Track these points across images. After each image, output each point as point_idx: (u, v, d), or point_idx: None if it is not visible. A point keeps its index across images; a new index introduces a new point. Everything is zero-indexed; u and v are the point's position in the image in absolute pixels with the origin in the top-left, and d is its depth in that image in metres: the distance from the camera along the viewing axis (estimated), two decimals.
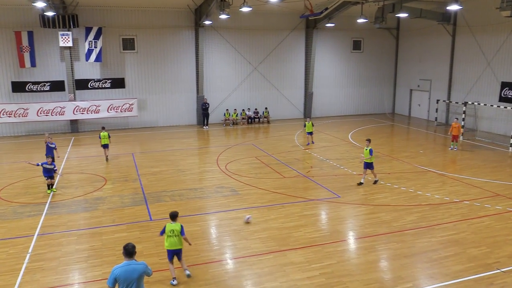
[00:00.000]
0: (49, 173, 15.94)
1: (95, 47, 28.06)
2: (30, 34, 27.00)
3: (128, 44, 29.53)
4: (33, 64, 27.50)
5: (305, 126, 24.10)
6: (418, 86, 33.92)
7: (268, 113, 32.68)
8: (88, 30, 27.73)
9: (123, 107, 29.18)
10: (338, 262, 10.35)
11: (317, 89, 34.29)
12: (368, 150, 16.24)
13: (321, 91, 34.51)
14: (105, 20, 28.33)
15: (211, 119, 31.34)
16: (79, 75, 28.72)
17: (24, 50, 27.11)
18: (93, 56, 28.09)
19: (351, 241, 11.81)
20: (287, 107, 33.94)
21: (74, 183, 17.33)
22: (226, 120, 31.57)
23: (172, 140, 26.09)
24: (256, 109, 32.61)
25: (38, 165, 15.94)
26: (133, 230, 12.40)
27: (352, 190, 15.91)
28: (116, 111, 29.10)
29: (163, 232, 9.68)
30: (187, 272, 9.68)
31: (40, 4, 21.19)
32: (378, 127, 30.41)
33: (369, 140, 16.76)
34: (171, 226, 9.55)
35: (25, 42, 27.01)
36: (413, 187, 16.21)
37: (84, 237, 12.11)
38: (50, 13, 24.55)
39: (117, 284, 6.75)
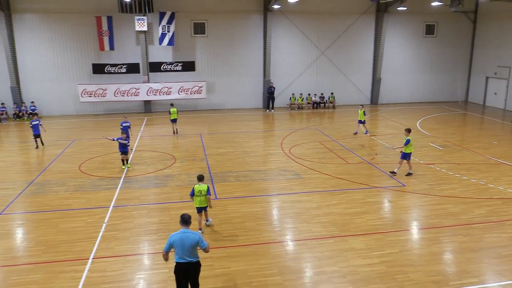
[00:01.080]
0: (124, 149, 16.80)
1: (168, 31, 28.92)
2: (110, 19, 28.34)
3: (199, 29, 30.14)
4: (111, 47, 28.90)
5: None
6: (495, 73, 31.70)
7: (334, 98, 32.16)
8: (162, 15, 28.60)
9: (193, 89, 29.98)
10: (400, 251, 10.11)
11: (385, 74, 33.14)
12: (405, 140, 15.39)
13: (389, 77, 33.31)
14: (177, 5, 29.04)
15: (277, 103, 31.41)
16: (152, 58, 29.82)
17: (103, 34, 28.54)
18: (166, 40, 29.01)
19: (415, 231, 11.45)
20: (353, 92, 33.16)
21: (146, 160, 18.18)
22: (291, 104, 31.50)
23: (238, 123, 26.51)
24: (322, 94, 32.19)
25: (114, 139, 16.92)
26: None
27: (418, 179, 15.36)
28: (186, 93, 29.98)
29: (192, 193, 10.79)
30: (209, 221, 11.46)
31: None
32: (449, 115, 28.95)
33: (408, 130, 15.78)
34: (199, 187, 10.72)
35: (104, 26, 28.40)
36: (484, 180, 15.34)
37: (154, 211, 12.73)
38: None
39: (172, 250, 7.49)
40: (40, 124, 20.75)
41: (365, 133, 22.58)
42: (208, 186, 10.82)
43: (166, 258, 7.58)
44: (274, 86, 30.81)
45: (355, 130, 22.96)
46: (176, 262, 7.46)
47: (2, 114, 28.29)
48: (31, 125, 20.60)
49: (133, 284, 8.88)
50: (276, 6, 28.33)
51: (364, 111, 22.37)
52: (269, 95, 30.66)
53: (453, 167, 16.71)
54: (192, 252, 7.43)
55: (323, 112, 30.45)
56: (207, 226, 11.48)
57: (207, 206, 11.00)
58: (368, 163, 17.42)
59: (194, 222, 9.40)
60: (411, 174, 15.77)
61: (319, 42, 31.62)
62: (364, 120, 22.52)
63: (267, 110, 30.82)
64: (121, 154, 16.95)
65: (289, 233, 11.25)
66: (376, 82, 32.94)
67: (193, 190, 10.79)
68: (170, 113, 23.19)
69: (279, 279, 8.95)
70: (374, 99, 33.30)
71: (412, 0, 29.08)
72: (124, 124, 19.33)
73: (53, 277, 9.15)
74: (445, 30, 33.40)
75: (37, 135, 20.58)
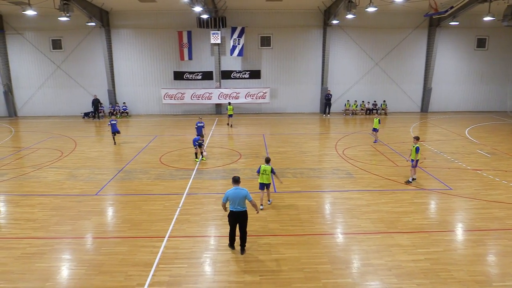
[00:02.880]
0: (197, 144, 17.49)
1: (238, 44, 29.35)
2: (189, 33, 29.27)
3: (265, 41, 30.31)
4: (190, 57, 29.84)
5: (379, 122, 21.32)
6: None
7: (386, 105, 31.06)
8: (233, 30, 29.08)
9: (258, 94, 30.22)
10: (444, 250, 9.55)
11: (436, 84, 31.45)
12: (414, 148, 14.04)
13: (440, 86, 31.57)
14: (247, 21, 29.40)
15: (332, 108, 30.87)
16: (224, 67, 30.41)
17: (184, 46, 29.53)
18: (236, 51, 29.47)
19: (460, 232, 10.76)
20: (404, 101, 31.81)
21: (215, 155, 18.57)
22: (346, 110, 30.83)
23: (297, 125, 26.36)
24: (375, 101, 31.19)
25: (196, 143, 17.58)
26: (258, 199, 12.89)
27: (464, 184, 14.43)
28: (252, 98, 30.28)
29: (258, 171, 11.87)
30: (270, 201, 12.35)
31: (198, 9, 22.87)
32: (498, 124, 26.92)
33: (416, 138, 14.33)
34: (264, 167, 11.78)
35: (185, 39, 29.38)
36: None
37: (221, 200, 12.92)
38: (205, 16, 26.34)
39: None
40: (116, 123, 21.15)
41: (374, 142, 21.01)
42: (272, 168, 11.86)
43: (225, 208, 9.38)
44: (331, 93, 30.32)
45: (374, 139, 21.30)
46: (231, 211, 9.20)
47: (101, 112, 30.16)
48: (109, 124, 21.13)
49: (200, 261, 9.10)
50: (334, 22, 27.83)
51: (379, 120, 21.21)
52: (326, 101, 30.21)
53: (500, 174, 15.54)
54: (242, 203, 9.15)
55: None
56: (269, 205, 12.29)
57: (269, 184, 11.99)
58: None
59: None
60: (411, 182, 14.40)
61: (373, 54, 30.66)
62: (378, 129, 21.09)
63: (324, 115, 30.38)
64: (195, 147, 17.61)
65: (340, 226, 11.01)
66: (427, 91, 31.36)
67: (259, 168, 11.86)
68: (227, 109, 25.75)
69: (329, 268, 8.78)
70: (424, 107, 31.74)
71: (464, 15, 27.36)
72: (198, 124, 19.89)
73: (136, 250, 9.60)
74: (496, 43, 31.11)
75: (114, 132, 20.97)
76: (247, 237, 9.56)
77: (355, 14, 23.00)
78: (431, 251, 9.47)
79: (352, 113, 30.66)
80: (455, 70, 31.53)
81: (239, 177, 9.41)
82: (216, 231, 10.73)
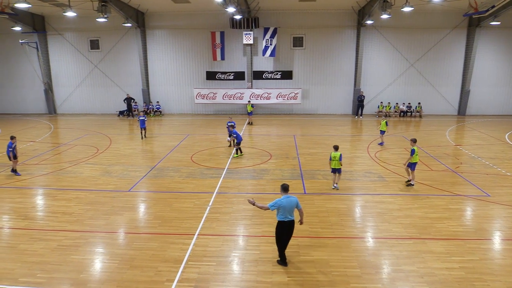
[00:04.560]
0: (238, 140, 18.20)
1: (271, 44, 29.38)
2: (222, 34, 29.56)
3: (298, 42, 30.20)
4: (222, 57, 30.13)
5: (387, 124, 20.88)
6: None
7: (421, 108, 30.24)
8: (266, 30, 29.13)
9: (289, 95, 30.14)
10: (480, 259, 9.19)
11: (474, 87, 30.30)
12: (410, 150, 13.87)
13: (479, 89, 30.38)
14: (280, 21, 29.38)
15: (365, 110, 30.37)
16: (256, 67, 30.52)
17: (216, 47, 29.85)
18: (268, 52, 29.50)
19: (497, 241, 10.30)
20: (441, 103, 30.83)
21: (245, 155, 18.64)
22: (379, 112, 30.25)
23: (328, 127, 26.10)
24: (409, 103, 30.44)
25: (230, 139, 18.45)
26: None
27: (503, 191, 13.83)
28: (283, 99, 30.23)
29: (330, 158, 13.39)
30: (337, 186, 13.68)
31: (231, 10, 23.06)
32: None
33: (413, 140, 14.11)
34: (334, 154, 13.39)
35: (217, 40, 29.69)
36: None
37: (261, 201, 12.97)
38: (237, 17, 26.55)
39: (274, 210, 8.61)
40: (145, 120, 22.62)
41: (380, 144, 20.55)
42: (341, 154, 13.38)
43: (264, 209, 8.68)
44: (363, 94, 29.83)
45: (380, 141, 20.90)
46: (281, 221, 8.57)
47: (135, 110, 30.94)
48: (138, 120, 22.60)
49: (229, 260, 9.17)
50: (369, 22, 27.37)
51: (386, 122, 20.68)
52: (359, 103, 29.75)
53: None
54: (292, 212, 8.63)
55: (409, 121, 28.78)
56: (335, 189, 13.64)
57: (340, 169, 13.51)
58: (452, 171, 16.11)
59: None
60: (413, 185, 14.15)
61: (408, 55, 29.91)
62: (385, 131, 20.67)
63: (356, 117, 29.93)
64: (236, 144, 18.26)
65: (370, 230, 10.81)
66: (464, 93, 30.28)
67: (330, 156, 13.41)
68: (247, 107, 27.34)
69: (358, 272, 8.65)
70: (461, 110, 30.66)
71: (506, 15, 26.25)
72: (229, 124, 20.07)
73: (166, 246, 9.79)
74: None
75: (143, 128, 22.46)
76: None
77: (390, 14, 22.54)
78: (466, 260, 9.14)
79: (386, 115, 30.04)
80: (495, 72, 30.27)
81: (288, 185, 8.76)
82: (245, 230, 10.78)
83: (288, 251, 9.40)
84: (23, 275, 8.60)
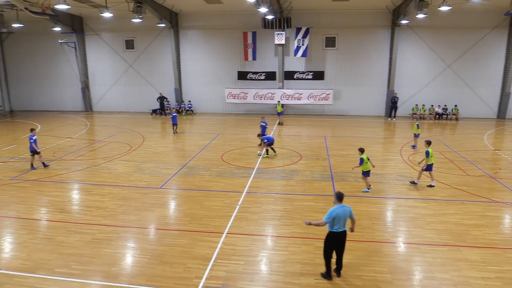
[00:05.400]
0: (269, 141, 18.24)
1: (303, 44, 29.22)
2: (254, 34, 29.66)
3: (330, 42, 29.89)
4: (254, 57, 30.23)
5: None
6: None
7: (457, 110, 29.25)
8: (298, 30, 29.00)
9: (321, 96, 29.88)
10: None
11: None
12: (425, 152, 14.01)
13: None
14: (312, 21, 29.17)
15: (399, 112, 29.66)
16: (287, 67, 30.44)
17: (248, 47, 29.98)
18: (300, 52, 29.36)
19: None
20: (479, 106, 29.65)
21: (276, 155, 18.63)
22: (413, 114, 29.49)
23: (360, 128, 25.68)
24: (445, 105, 29.50)
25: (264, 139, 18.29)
26: (319, 201, 12.76)
27: None
28: (315, 99, 30.00)
29: (362, 161, 13.26)
30: (369, 188, 13.63)
31: (263, 10, 23.10)
32: None
33: (428, 142, 14.33)
34: (365, 156, 13.32)
35: (249, 40, 29.81)
36: None
37: (279, 200, 12.99)
38: (270, 17, 26.55)
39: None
40: (177, 116, 24.18)
41: (412, 147, 20.13)
42: (368, 157, 13.42)
43: (322, 225, 8.14)
44: (397, 96, 29.17)
45: (413, 144, 20.47)
46: (334, 232, 8.03)
47: (167, 109, 31.54)
48: (171, 116, 24.05)
49: (257, 260, 9.19)
50: (404, 22, 26.73)
51: (417, 125, 20.17)
52: (392, 104, 29.12)
53: None
54: (345, 223, 8.15)
55: (445, 124, 27.90)
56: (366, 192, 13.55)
57: (369, 170, 13.43)
58: (490, 177, 15.48)
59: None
60: (433, 186, 14.10)
61: (445, 56, 28.98)
62: (418, 134, 20.19)
63: (389, 119, 29.31)
64: (268, 145, 18.30)
65: (402, 235, 10.55)
66: (504, 96, 29.02)
67: (362, 159, 13.24)
68: (276, 107, 27.45)
69: (389, 277, 8.46)
70: (501, 113, 29.40)
71: None
72: (261, 124, 20.13)
73: (195, 243, 9.92)
74: None
75: (174, 124, 23.85)
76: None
77: (426, 13, 21.93)
78: (504, 270, 8.76)
79: (420, 117, 29.24)
80: None
81: (343, 194, 8.24)
82: (273, 231, 10.76)
83: (317, 254, 9.33)
84: (59, 266, 8.93)
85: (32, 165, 16.72)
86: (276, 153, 18.39)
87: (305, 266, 8.85)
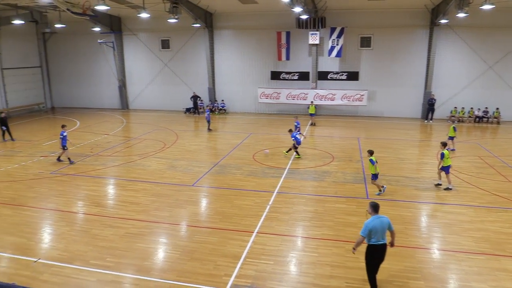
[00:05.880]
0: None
1: (337, 44, 28.86)
2: (288, 34, 29.56)
3: (365, 42, 29.36)
4: (287, 57, 30.14)
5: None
6: None
7: (499, 113, 28.01)
8: (332, 30, 28.66)
9: (355, 96, 29.40)
10: None
11: None
12: (439, 155, 14.04)
13: None
14: (347, 21, 28.74)
15: (436, 114, 28.71)
16: (321, 68, 30.15)
17: (282, 47, 29.92)
18: (334, 52, 29.01)
19: None
20: None
21: (308, 156, 18.51)
22: (451, 116, 28.48)
23: (395, 130, 25.08)
24: (486, 108, 28.32)
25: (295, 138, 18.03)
26: (351, 204, 12.59)
27: None
28: (348, 100, 29.56)
29: (373, 162, 13.03)
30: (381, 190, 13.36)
31: (297, 10, 22.96)
32: None
33: (443, 144, 14.34)
34: (374, 158, 13.08)
35: (283, 40, 29.74)
36: None
37: (311, 201, 12.90)
38: (304, 16, 26.39)
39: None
40: (210, 113, 25.06)
41: (451, 150, 19.30)
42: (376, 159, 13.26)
43: (361, 243, 7.73)
44: (435, 97, 28.28)
45: (449, 147, 19.73)
46: (373, 245, 7.63)
47: (201, 108, 31.98)
48: (206, 114, 25.09)
49: (286, 260, 9.17)
50: (443, 21, 25.85)
51: (454, 128, 19.51)
52: (429, 106, 28.24)
53: None
54: (385, 235, 7.71)
55: (485, 127, 26.79)
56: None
57: (377, 173, 13.30)
58: None
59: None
60: (451, 189, 13.86)
61: (487, 56, 27.78)
62: (454, 137, 19.62)
63: (426, 121, 28.46)
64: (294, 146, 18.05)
65: (437, 242, 10.24)
66: None
67: (372, 160, 13.04)
68: (308, 108, 27.24)
69: (422, 284, 8.23)
70: None
71: None
72: (295, 124, 20.09)
73: (225, 242, 10.01)
74: None
75: (208, 121, 24.75)
76: None
77: (467, 12, 21.12)
78: None
79: (459, 120, 28.21)
80: None
81: (379, 204, 7.81)
82: (304, 232, 10.71)
83: (348, 257, 9.21)
84: (94, 258, 9.25)
85: (69, 159, 17.44)
86: (300, 156, 18.03)
87: (335, 269, 8.76)
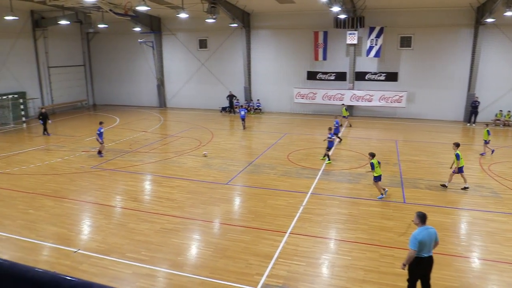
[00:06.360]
0: (330, 145, 17.55)
1: (376, 44, 28.26)
2: (325, 34, 29.25)
3: (405, 42, 28.57)
4: (324, 58, 29.83)
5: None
6: None
7: None
8: (371, 30, 28.09)
9: (393, 98, 28.69)
10: None
11: None
12: (455, 155, 13.89)
13: None
14: (387, 20, 28.07)
15: (479, 117, 27.54)
16: (359, 68, 29.62)
17: (319, 47, 29.65)
18: (372, 52, 28.43)
19: None
20: None
21: (343, 158, 18.25)
22: (496, 120, 27.22)
23: (435, 133, 24.24)
24: None
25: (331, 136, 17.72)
26: (386, 208, 12.30)
27: None
28: (386, 101, 28.89)
29: (373, 166, 12.78)
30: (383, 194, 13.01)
31: (336, 9, 22.68)
32: None
33: (456, 145, 14.17)
34: (376, 160, 12.92)
35: (320, 40, 29.46)
36: None
37: (345, 203, 12.72)
38: (342, 16, 26.02)
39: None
40: (246, 112, 25.49)
41: (482, 154, 18.87)
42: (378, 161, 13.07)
43: (413, 257, 7.19)
44: (478, 100, 27.11)
45: (482, 151, 19.17)
46: (421, 257, 7.20)
47: (236, 107, 32.23)
48: (240, 112, 25.79)
49: (318, 262, 9.08)
50: (489, 20, 24.74)
51: (488, 131, 18.73)
52: (472, 109, 27.10)
53: None
54: (432, 247, 7.31)
55: None
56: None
57: (380, 175, 13.00)
58: None
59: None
60: (467, 188, 13.93)
61: None
62: (489, 140, 18.86)
63: (468, 124, 27.34)
64: (327, 149, 17.54)
65: (477, 250, 9.81)
66: None
67: (372, 163, 12.83)
68: (342, 111, 26.70)
69: None
70: None
71: None
72: (335, 123, 19.89)
73: (257, 241, 10.04)
74: None
75: (243, 119, 25.22)
76: None
77: None
78: None
79: (504, 124, 26.92)
80: None
81: (426, 214, 7.40)
82: (337, 234, 10.57)
83: (382, 261, 9.02)
84: (130, 251, 9.53)
85: (100, 151, 18.32)
86: (330, 161, 17.33)
87: (368, 273, 8.59)
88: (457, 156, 13.80)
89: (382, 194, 13.15)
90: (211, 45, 32.97)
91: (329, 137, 17.53)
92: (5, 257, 8.58)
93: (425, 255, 7.20)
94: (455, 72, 27.93)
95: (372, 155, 13.15)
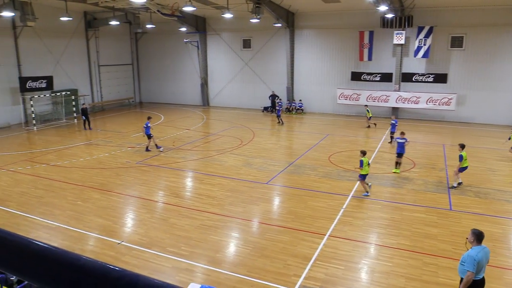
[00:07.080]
0: (401, 150, 15.84)
1: (424, 44, 27.27)
2: (371, 33, 28.59)
3: (456, 42, 27.34)
4: (369, 58, 29.17)
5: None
6: None
7: None
8: (420, 29, 27.13)
9: (442, 100, 27.57)
10: None
11: None
12: (458, 156, 13.91)
13: None
14: (437, 20, 26.99)
15: None
16: (405, 69, 28.70)
17: (364, 47, 29.03)
18: (421, 53, 27.46)
19: None
20: None
21: (387, 161, 17.75)
22: None
23: (487, 138, 23.01)
24: None
25: (395, 139, 17.15)
26: (431, 214, 11.83)
27: None
28: (434, 104, 27.80)
29: (361, 164, 12.82)
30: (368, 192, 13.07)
31: (383, 8, 22.14)
32: None
33: (461, 146, 14.24)
34: (366, 159, 13.06)
35: (366, 40, 28.83)
36: None
37: (387, 208, 12.37)
38: (389, 15, 25.33)
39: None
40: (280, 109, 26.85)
41: None
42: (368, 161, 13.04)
43: (471, 278, 6.54)
44: None
45: None
46: (478, 279, 6.66)
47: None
48: (278, 109, 27.10)
49: (358, 267, 8.90)
50: None
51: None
52: None
53: None
54: (485, 268, 6.79)
55: None
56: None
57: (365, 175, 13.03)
58: None
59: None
60: (455, 187, 14.08)
61: None
62: None
63: None
64: (397, 156, 15.99)
65: None
66: None
67: (362, 161, 12.85)
68: (366, 113, 26.19)
69: None
70: None
71: None
72: (392, 122, 19.47)
73: (296, 242, 9.99)
74: None
75: (278, 116, 26.32)
76: None
77: None
78: None
79: None
80: None
81: (483, 233, 6.78)
82: (378, 239, 10.31)
83: (425, 270, 8.70)
84: (171, 246, 9.78)
85: (156, 145, 19.07)
86: (399, 171, 15.99)
87: (410, 282, 8.30)
88: (460, 158, 13.92)
89: (367, 191, 13.22)
90: (255, 45, 33.15)
91: (405, 141, 16.01)
92: (54, 244, 9.08)
93: (480, 277, 6.69)
94: (510, 74, 26.41)
95: (363, 153, 13.26)
